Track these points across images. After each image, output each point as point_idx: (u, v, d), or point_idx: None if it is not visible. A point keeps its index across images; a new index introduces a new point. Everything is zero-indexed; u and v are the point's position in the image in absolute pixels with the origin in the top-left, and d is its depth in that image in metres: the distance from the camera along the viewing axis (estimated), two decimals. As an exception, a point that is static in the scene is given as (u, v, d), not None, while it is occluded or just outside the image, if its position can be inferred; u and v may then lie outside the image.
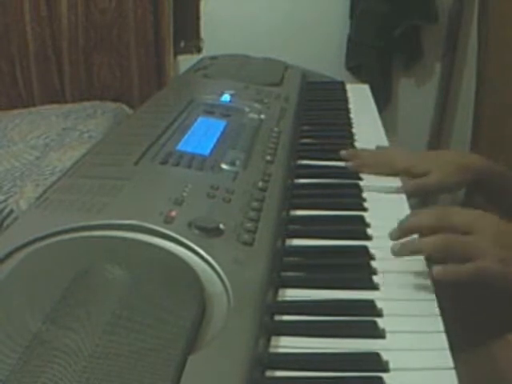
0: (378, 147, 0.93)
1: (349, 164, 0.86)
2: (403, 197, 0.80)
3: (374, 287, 0.58)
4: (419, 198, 1.92)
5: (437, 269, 0.57)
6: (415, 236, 0.63)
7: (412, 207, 0.77)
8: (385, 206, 0.76)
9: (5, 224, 1.12)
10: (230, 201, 0.65)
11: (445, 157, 0.90)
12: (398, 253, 0.61)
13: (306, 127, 1.05)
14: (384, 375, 0.47)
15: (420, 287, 0.59)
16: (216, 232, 0.58)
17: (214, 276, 0.52)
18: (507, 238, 0.61)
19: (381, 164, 0.86)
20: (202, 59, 1.44)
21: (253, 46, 1.60)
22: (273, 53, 1.43)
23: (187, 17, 1.83)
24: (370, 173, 0.85)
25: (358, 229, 0.70)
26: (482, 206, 0.86)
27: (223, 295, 0.50)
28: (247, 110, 0.98)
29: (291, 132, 0.94)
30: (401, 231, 0.63)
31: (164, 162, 0.73)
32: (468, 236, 0.60)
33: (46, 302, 0.44)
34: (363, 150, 0.92)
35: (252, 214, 0.63)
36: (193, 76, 1.26)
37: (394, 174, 0.85)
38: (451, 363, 0.49)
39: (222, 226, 0.59)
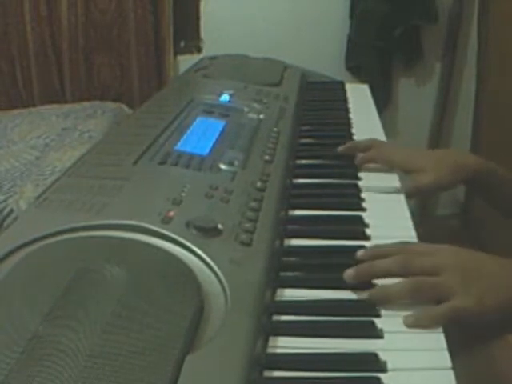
0: (374, 140, 0.93)
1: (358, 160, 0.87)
2: (402, 197, 0.80)
3: (372, 287, 0.58)
4: (417, 198, 1.92)
5: (408, 319, 0.54)
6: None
7: (412, 207, 0.77)
8: (383, 207, 0.76)
9: (5, 224, 1.12)
10: (229, 201, 0.65)
11: (441, 155, 0.90)
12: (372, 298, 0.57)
13: (305, 127, 1.05)
14: (382, 375, 0.47)
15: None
16: (214, 232, 0.58)
17: (212, 276, 0.52)
18: (480, 273, 0.58)
19: (376, 156, 0.87)
20: (201, 59, 1.44)
21: (253, 46, 1.60)
22: (273, 53, 1.43)
23: (187, 17, 1.83)
24: (369, 165, 0.86)
25: (357, 229, 0.70)
26: (481, 214, 0.86)
27: (221, 295, 0.50)
28: (246, 109, 0.98)
29: (290, 132, 0.94)
30: (360, 274, 0.58)
31: (163, 162, 0.73)
32: (437, 277, 0.57)
33: (45, 301, 0.45)
34: (360, 142, 0.92)
35: (250, 214, 0.63)
36: (192, 76, 1.26)
37: (391, 167, 0.86)
38: (449, 363, 0.49)
39: (220, 226, 0.59)
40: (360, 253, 0.62)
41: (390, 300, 0.56)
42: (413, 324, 0.53)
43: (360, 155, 0.87)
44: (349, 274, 0.58)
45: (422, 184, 0.82)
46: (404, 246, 0.64)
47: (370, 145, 0.90)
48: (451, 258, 0.60)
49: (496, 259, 0.61)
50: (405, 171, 0.84)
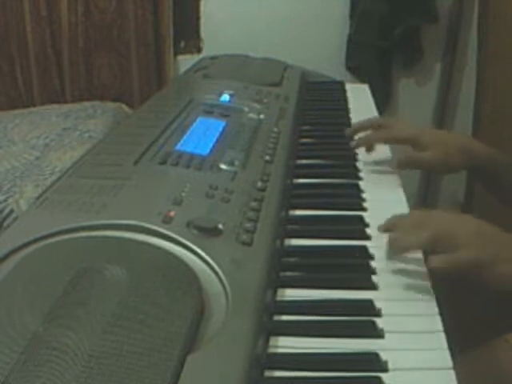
0: (382, 119, 0.95)
1: (355, 142, 0.89)
2: (402, 197, 0.80)
3: (373, 287, 0.59)
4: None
5: (433, 258, 0.57)
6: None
7: (412, 207, 0.77)
8: (384, 206, 0.76)
9: (5, 224, 1.12)
10: (229, 201, 0.65)
11: (449, 137, 0.90)
12: (390, 248, 0.62)
13: (305, 127, 1.05)
14: (383, 375, 0.47)
15: (419, 287, 0.59)
16: (215, 232, 0.58)
17: (213, 276, 0.52)
18: (493, 235, 0.62)
19: (384, 133, 0.88)
20: (201, 59, 1.44)
21: (253, 46, 1.60)
22: (273, 53, 1.43)
23: (187, 17, 1.82)
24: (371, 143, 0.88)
25: (358, 229, 0.70)
26: (482, 201, 0.87)
27: (222, 295, 0.50)
28: (246, 110, 0.98)
29: (290, 132, 0.94)
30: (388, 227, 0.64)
31: (163, 162, 0.73)
32: (456, 232, 0.60)
33: (46, 301, 0.45)
34: (364, 122, 0.94)
35: (251, 214, 0.63)
36: (192, 76, 1.26)
37: (398, 143, 0.86)
38: (450, 363, 0.49)
39: (220, 226, 0.59)
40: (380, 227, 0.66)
41: (411, 247, 0.60)
42: (431, 267, 0.58)
43: (366, 134, 0.89)
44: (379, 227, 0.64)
45: (422, 158, 0.82)
46: (427, 214, 0.66)
47: (380, 124, 0.91)
48: (470, 222, 0.63)
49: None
50: (413, 146, 0.84)
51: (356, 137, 0.91)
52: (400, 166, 0.83)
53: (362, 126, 0.92)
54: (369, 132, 0.90)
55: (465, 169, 0.87)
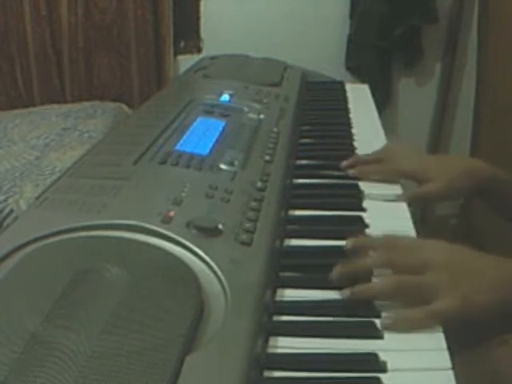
0: (379, 153, 0.89)
1: (352, 172, 0.84)
2: (402, 196, 0.80)
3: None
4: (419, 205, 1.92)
5: (385, 323, 0.53)
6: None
7: (412, 207, 0.77)
8: (384, 207, 0.76)
9: (5, 224, 1.12)
10: (229, 201, 0.65)
11: (449, 162, 0.88)
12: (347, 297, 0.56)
13: (305, 127, 1.05)
14: (382, 376, 0.47)
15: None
16: (214, 232, 0.58)
17: (212, 276, 0.52)
18: (467, 270, 0.57)
19: (385, 170, 0.84)
20: (201, 59, 1.44)
21: (253, 45, 1.60)
22: (273, 53, 1.43)
23: (187, 17, 1.82)
24: (373, 179, 0.83)
25: (357, 229, 0.70)
26: (480, 214, 0.85)
27: (221, 295, 0.50)
28: (246, 110, 0.98)
29: (290, 132, 0.94)
30: (343, 271, 0.58)
31: (163, 162, 0.73)
32: (422, 276, 0.55)
33: (45, 301, 0.45)
34: (366, 156, 0.88)
35: (250, 214, 0.63)
36: (192, 76, 1.26)
37: (399, 178, 0.84)
38: (449, 364, 0.49)
39: (220, 226, 0.59)
40: (347, 242, 0.62)
41: (374, 297, 0.55)
42: (390, 327, 0.52)
43: (365, 167, 0.85)
44: (334, 273, 0.58)
45: (429, 191, 0.80)
46: (389, 239, 0.62)
47: (377, 160, 0.87)
48: (438, 254, 0.58)
49: (486, 257, 0.59)
50: (417, 181, 0.82)
51: (351, 171, 0.85)
52: (411, 202, 0.81)
53: (360, 161, 0.86)
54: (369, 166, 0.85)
55: (471, 191, 0.84)
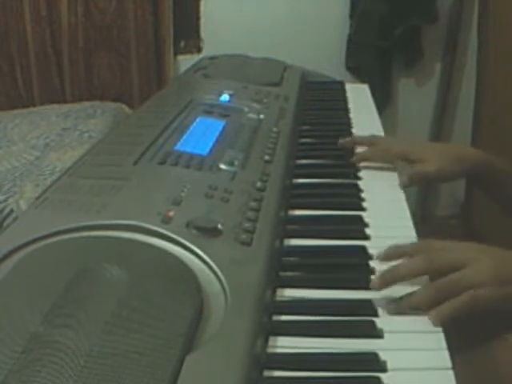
0: (374, 136, 0.94)
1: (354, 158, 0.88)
2: (402, 197, 0.80)
3: (372, 287, 0.58)
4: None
5: (430, 315, 0.54)
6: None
7: (412, 207, 0.77)
8: (383, 206, 0.76)
9: (5, 224, 1.12)
10: (229, 201, 0.65)
11: (442, 147, 0.90)
12: (395, 311, 0.56)
13: (305, 127, 1.05)
14: (382, 375, 0.47)
15: (418, 287, 0.58)
16: (214, 232, 0.58)
17: (212, 276, 0.52)
18: (500, 260, 0.58)
19: (377, 151, 0.88)
20: (201, 59, 1.44)
21: (253, 46, 1.60)
22: (273, 53, 1.43)
23: (187, 17, 1.82)
24: (367, 161, 0.87)
25: (357, 229, 0.70)
26: (482, 200, 0.86)
27: (221, 295, 0.50)
28: (246, 110, 0.98)
29: (290, 132, 0.94)
30: (385, 281, 0.58)
31: (162, 162, 0.73)
32: (459, 272, 0.56)
33: (45, 301, 0.45)
34: (361, 137, 0.93)
35: (250, 214, 0.63)
36: (192, 76, 1.26)
37: (390, 160, 0.86)
38: (449, 363, 0.49)
39: (220, 226, 0.59)
40: (379, 256, 0.61)
41: (419, 308, 0.55)
42: (437, 317, 0.53)
43: (358, 151, 0.88)
44: (374, 283, 0.57)
45: (424, 172, 0.82)
46: (424, 243, 0.63)
47: (371, 142, 0.91)
48: (473, 251, 0.59)
49: None
50: (406, 161, 0.84)
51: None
52: (406, 185, 0.82)
53: (357, 141, 0.93)
54: (359, 150, 0.89)
55: (462, 176, 0.87)
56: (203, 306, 0.48)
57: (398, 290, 0.58)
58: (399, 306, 0.56)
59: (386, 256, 0.60)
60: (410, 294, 0.56)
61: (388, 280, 0.57)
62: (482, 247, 0.61)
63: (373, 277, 0.59)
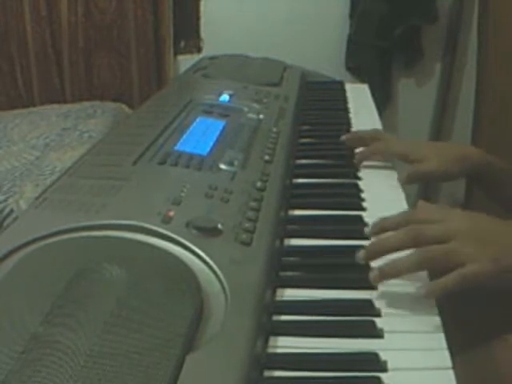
0: (375, 130, 0.94)
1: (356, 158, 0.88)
2: (402, 196, 0.80)
3: (373, 287, 0.58)
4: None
5: (423, 290, 0.55)
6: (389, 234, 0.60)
7: (412, 207, 0.77)
8: (383, 206, 0.76)
9: (5, 224, 1.12)
10: (229, 201, 0.65)
11: (443, 146, 0.90)
12: (377, 279, 0.57)
13: (305, 127, 1.05)
14: (382, 375, 0.47)
15: (418, 287, 0.59)
16: (214, 232, 0.58)
17: (212, 276, 0.52)
18: (493, 234, 0.58)
19: (380, 148, 0.88)
20: (201, 59, 1.44)
21: (252, 46, 1.60)
22: (273, 53, 1.43)
23: (187, 17, 1.83)
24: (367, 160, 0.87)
25: (357, 229, 0.69)
26: (482, 200, 0.86)
27: (221, 295, 0.50)
28: (246, 110, 0.98)
29: (290, 132, 0.94)
30: (370, 254, 0.58)
31: (162, 162, 0.73)
32: (449, 244, 0.56)
33: (45, 301, 0.45)
34: (364, 134, 0.93)
35: (250, 213, 0.63)
36: (192, 76, 1.26)
37: (390, 158, 0.87)
38: (449, 363, 0.49)
39: (220, 225, 0.59)
40: (367, 229, 0.62)
41: (402, 274, 0.56)
42: (428, 295, 0.54)
43: (361, 150, 0.88)
44: (359, 255, 0.58)
45: (424, 171, 0.82)
46: (411, 214, 0.62)
47: (373, 137, 0.91)
48: (463, 222, 0.59)
49: (508, 222, 0.60)
50: (407, 161, 0.84)
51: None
52: (405, 183, 0.82)
53: (359, 136, 0.93)
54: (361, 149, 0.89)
55: (462, 176, 0.87)
56: (203, 305, 0.48)
57: (398, 288, 0.58)
58: (382, 272, 0.56)
59: (373, 230, 0.62)
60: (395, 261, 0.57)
61: (373, 252, 0.58)
62: (470, 215, 0.60)
63: (359, 251, 0.60)
